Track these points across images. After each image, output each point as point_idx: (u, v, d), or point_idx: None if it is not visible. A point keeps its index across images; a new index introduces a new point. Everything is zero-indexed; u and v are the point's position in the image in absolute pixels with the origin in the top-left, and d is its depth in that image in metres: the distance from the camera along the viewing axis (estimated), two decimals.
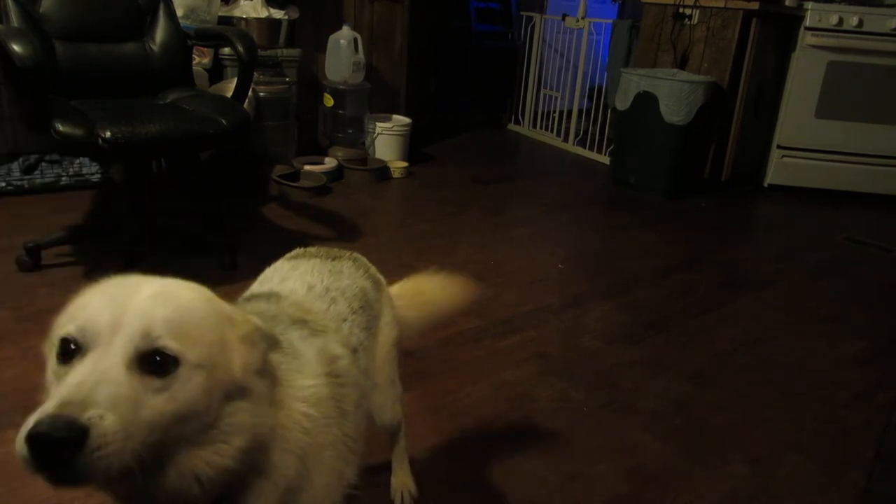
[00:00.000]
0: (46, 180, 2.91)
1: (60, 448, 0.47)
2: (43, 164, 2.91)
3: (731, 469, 1.53)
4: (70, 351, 0.55)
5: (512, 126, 5.22)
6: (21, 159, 2.88)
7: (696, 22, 3.75)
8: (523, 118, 5.10)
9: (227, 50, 3.10)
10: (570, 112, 4.70)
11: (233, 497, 0.63)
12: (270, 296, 0.90)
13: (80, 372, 0.53)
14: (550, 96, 4.87)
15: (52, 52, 2.19)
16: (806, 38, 3.70)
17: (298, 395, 0.71)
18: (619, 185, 3.87)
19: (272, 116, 3.30)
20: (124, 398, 0.51)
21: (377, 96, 3.90)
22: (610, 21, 4.54)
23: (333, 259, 1.05)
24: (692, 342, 2.12)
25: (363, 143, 3.77)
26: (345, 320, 0.93)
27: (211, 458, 0.58)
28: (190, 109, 2.19)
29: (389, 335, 1.10)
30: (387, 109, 3.96)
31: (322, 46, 3.60)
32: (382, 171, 3.60)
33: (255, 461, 0.63)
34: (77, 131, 1.85)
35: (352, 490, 0.82)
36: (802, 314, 2.41)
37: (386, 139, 3.75)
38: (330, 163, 3.49)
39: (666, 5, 3.85)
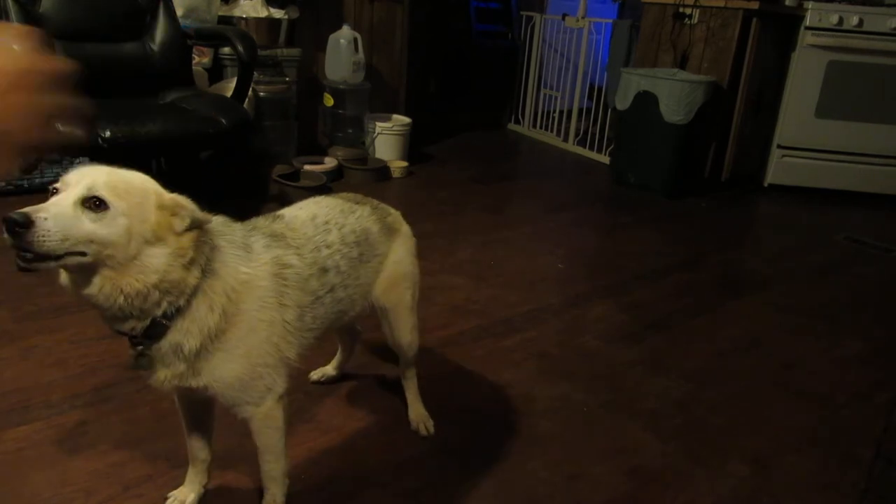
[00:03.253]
0: (46, 180, 2.90)
1: (17, 226, 0.79)
2: (42, 163, 2.91)
3: (731, 469, 1.52)
4: (53, 192, 0.87)
5: (512, 126, 5.22)
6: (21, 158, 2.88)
7: (696, 22, 3.75)
8: (523, 118, 5.10)
9: (227, 50, 3.10)
10: (570, 112, 4.70)
11: (161, 327, 0.93)
12: (276, 217, 1.19)
13: (49, 201, 0.85)
14: (550, 96, 4.87)
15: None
16: (806, 38, 3.70)
17: (233, 275, 0.99)
18: (620, 184, 3.87)
19: (272, 116, 3.30)
20: (64, 215, 0.82)
21: (377, 96, 3.90)
22: (610, 21, 4.54)
23: (357, 203, 1.32)
24: (692, 342, 2.12)
25: (363, 143, 3.77)
26: (328, 247, 1.18)
27: (129, 281, 0.88)
28: (190, 109, 2.19)
29: (397, 271, 1.36)
30: (387, 109, 3.96)
31: (322, 46, 3.60)
32: (382, 170, 3.60)
33: (173, 300, 0.92)
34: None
35: (295, 364, 1.11)
36: (802, 314, 2.41)
37: (386, 139, 3.75)
38: (330, 162, 3.49)
39: (666, 5, 3.85)
